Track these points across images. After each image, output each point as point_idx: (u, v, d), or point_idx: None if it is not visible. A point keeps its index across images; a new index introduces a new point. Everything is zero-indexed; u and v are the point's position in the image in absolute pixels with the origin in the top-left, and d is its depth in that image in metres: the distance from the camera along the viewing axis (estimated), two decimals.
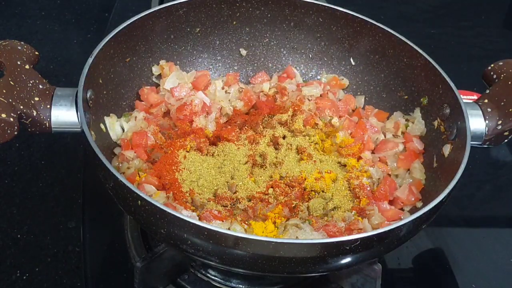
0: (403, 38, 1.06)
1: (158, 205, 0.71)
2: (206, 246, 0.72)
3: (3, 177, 1.10)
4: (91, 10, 1.54)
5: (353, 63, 1.16)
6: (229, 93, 1.12)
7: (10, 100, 0.85)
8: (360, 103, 1.14)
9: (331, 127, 1.07)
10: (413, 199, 0.96)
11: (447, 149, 0.96)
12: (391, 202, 0.98)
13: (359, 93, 1.16)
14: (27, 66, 0.90)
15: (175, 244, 0.76)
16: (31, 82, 0.88)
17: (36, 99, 0.87)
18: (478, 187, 1.26)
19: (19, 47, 0.93)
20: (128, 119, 1.02)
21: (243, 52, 1.19)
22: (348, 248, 0.72)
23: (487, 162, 1.32)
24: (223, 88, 1.13)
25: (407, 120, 1.07)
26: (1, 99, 0.84)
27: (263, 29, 1.17)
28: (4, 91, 0.85)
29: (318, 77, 1.19)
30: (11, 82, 0.87)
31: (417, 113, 1.06)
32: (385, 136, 1.07)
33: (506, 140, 0.98)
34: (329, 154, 1.03)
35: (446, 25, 1.64)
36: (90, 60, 0.90)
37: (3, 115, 0.82)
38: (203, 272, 0.96)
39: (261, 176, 0.96)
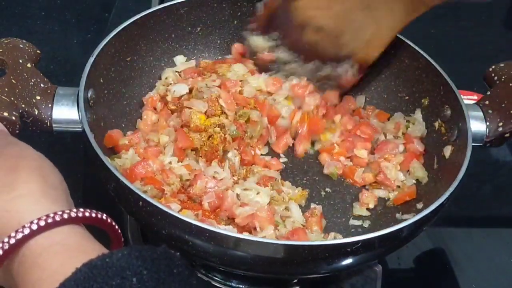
0: (403, 39, 1.06)
1: (160, 206, 0.72)
2: (207, 247, 0.73)
3: None
4: (91, 10, 1.53)
5: None
6: None
7: (12, 98, 0.84)
8: (361, 103, 1.14)
9: None
10: None
11: (448, 151, 0.96)
12: None
13: (360, 94, 1.16)
14: (28, 65, 0.90)
15: (176, 244, 0.76)
16: (32, 80, 0.88)
17: (38, 98, 0.87)
18: (478, 187, 1.26)
19: (21, 45, 0.92)
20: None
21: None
22: (349, 250, 0.72)
23: (487, 162, 1.32)
24: None
25: (407, 121, 1.07)
26: (3, 97, 0.84)
27: None
28: (6, 89, 0.85)
29: None
30: (13, 81, 0.87)
31: (418, 114, 1.05)
32: (385, 137, 1.07)
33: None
34: None
35: (446, 25, 1.64)
36: (91, 60, 0.90)
37: (5, 114, 0.82)
38: (203, 271, 0.95)
39: None
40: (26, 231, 0.59)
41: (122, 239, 0.71)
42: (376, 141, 1.06)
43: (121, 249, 0.56)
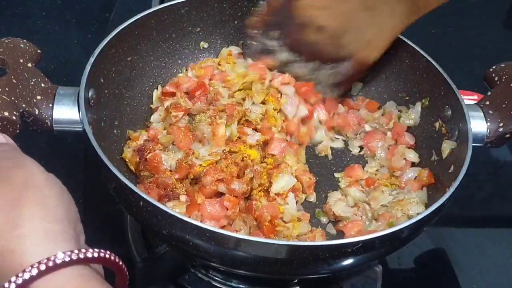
0: (404, 39, 1.06)
1: (161, 206, 0.71)
2: (208, 248, 0.73)
3: None
4: (91, 10, 1.54)
5: None
6: None
7: (13, 98, 0.84)
8: (356, 89, 1.16)
9: None
10: None
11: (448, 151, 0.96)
12: None
13: (360, 94, 1.16)
14: (29, 64, 0.90)
15: (177, 245, 0.76)
16: (33, 80, 0.88)
17: (38, 97, 0.87)
18: (478, 187, 1.26)
19: (22, 45, 0.92)
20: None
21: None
22: (350, 250, 0.72)
23: (487, 162, 1.32)
24: None
25: (400, 111, 1.08)
26: (3, 97, 0.84)
27: None
28: (7, 89, 0.85)
29: None
30: (14, 80, 0.87)
31: (418, 107, 1.06)
32: (377, 127, 1.09)
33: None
34: None
35: (447, 25, 1.64)
36: (91, 60, 0.90)
37: (6, 113, 0.82)
38: (204, 272, 0.96)
39: None
40: (27, 275, 0.57)
41: (127, 275, 0.68)
42: (360, 132, 1.09)
43: None
